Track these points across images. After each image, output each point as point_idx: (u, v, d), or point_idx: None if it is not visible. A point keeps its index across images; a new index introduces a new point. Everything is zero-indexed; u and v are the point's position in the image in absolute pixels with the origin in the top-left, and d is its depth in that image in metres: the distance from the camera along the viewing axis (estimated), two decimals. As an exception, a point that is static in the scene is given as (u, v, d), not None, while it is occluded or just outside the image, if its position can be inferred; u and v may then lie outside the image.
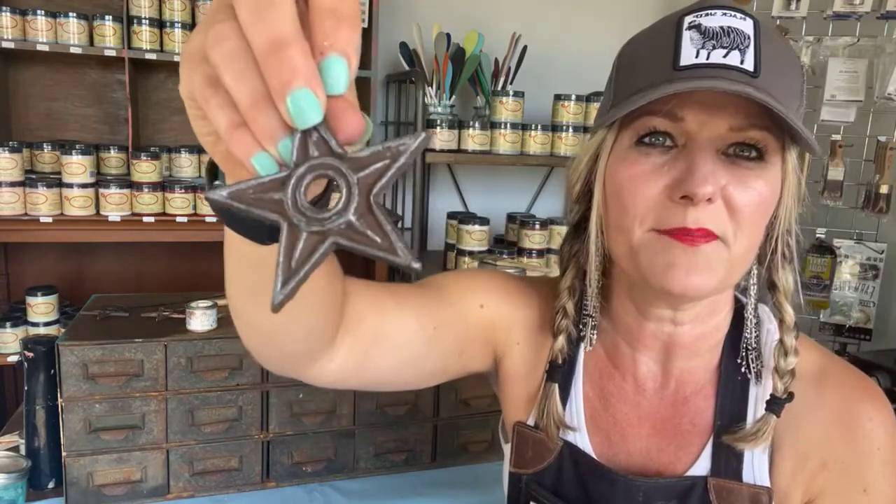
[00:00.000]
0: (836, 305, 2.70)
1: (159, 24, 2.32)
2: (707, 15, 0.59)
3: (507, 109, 2.47)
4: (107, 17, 2.26)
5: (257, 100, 0.31)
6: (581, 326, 0.74)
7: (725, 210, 0.59)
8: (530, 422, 0.76)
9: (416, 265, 0.32)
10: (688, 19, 0.60)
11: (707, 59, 0.57)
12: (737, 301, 0.72)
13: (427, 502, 1.30)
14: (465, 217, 2.46)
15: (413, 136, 0.32)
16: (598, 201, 0.67)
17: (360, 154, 0.32)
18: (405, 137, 0.32)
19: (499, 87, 2.61)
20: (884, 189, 2.56)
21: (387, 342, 0.67)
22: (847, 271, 2.71)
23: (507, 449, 0.80)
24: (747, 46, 0.58)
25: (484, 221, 2.43)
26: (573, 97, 2.53)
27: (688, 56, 0.58)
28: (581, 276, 0.73)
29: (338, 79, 0.31)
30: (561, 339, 0.73)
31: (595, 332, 0.74)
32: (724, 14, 0.59)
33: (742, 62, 0.57)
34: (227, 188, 0.32)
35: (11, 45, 2.18)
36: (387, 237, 0.32)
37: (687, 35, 0.59)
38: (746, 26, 0.59)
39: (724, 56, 0.57)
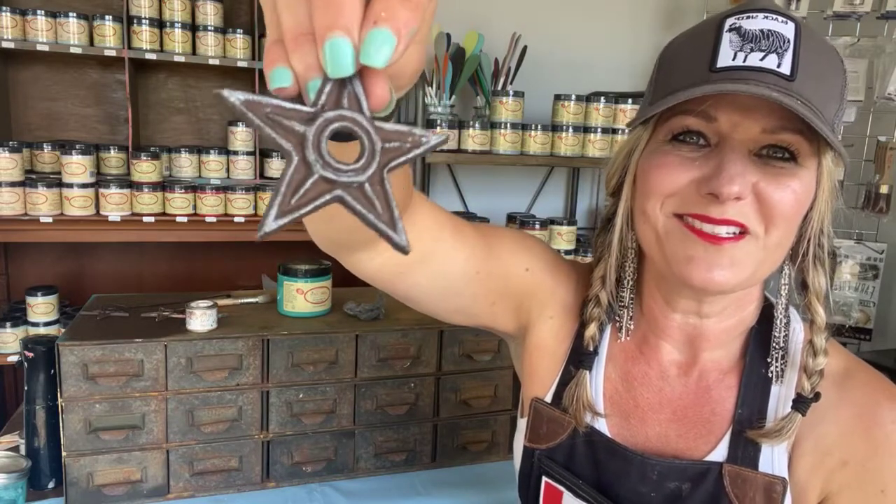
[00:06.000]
0: (835, 305, 2.70)
1: (159, 24, 2.32)
2: (749, 18, 0.60)
3: (507, 109, 2.47)
4: (107, 17, 2.26)
5: (299, 34, 0.31)
6: (617, 317, 0.76)
7: (756, 205, 0.60)
8: (548, 398, 0.77)
9: (409, 249, 0.33)
10: (729, 21, 0.61)
11: (744, 61, 0.58)
12: (765, 299, 0.73)
13: (427, 502, 1.30)
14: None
15: (435, 134, 0.33)
16: (626, 194, 0.70)
17: (384, 125, 0.32)
18: (427, 131, 0.33)
19: (499, 87, 2.61)
20: (884, 189, 2.56)
21: (430, 266, 0.68)
22: (847, 271, 2.71)
23: (522, 423, 0.81)
24: (786, 50, 0.58)
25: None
26: (573, 97, 2.53)
27: (725, 58, 0.59)
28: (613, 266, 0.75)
29: (378, 52, 0.30)
30: (593, 327, 0.74)
31: (632, 322, 0.75)
32: (766, 17, 0.60)
33: (779, 66, 0.57)
34: (245, 94, 0.31)
35: (11, 45, 2.18)
36: (390, 212, 0.32)
37: (727, 37, 0.60)
38: (787, 30, 0.59)
39: (761, 59, 0.58)
